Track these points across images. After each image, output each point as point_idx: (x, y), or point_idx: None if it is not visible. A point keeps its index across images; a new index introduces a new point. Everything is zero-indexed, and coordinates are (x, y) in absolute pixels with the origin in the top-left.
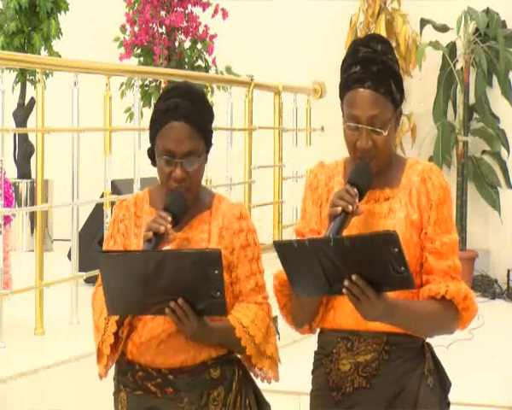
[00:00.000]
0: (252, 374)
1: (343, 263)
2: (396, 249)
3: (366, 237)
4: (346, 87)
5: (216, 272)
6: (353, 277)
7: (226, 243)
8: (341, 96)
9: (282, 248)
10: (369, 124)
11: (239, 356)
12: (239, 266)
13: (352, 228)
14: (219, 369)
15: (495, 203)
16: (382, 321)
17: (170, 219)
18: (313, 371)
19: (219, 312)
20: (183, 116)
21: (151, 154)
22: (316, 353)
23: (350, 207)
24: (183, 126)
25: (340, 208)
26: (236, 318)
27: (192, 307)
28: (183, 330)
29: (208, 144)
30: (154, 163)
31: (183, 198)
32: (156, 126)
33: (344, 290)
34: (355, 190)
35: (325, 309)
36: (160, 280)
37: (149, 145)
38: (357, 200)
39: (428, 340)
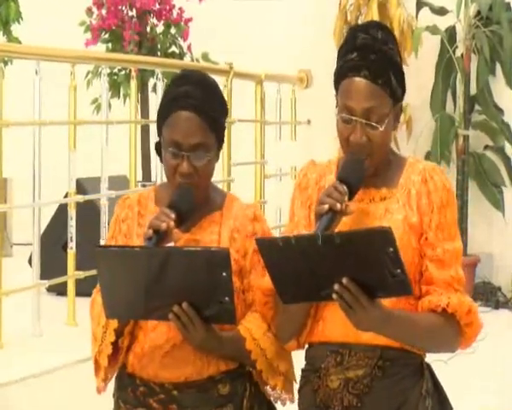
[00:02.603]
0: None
1: (333, 264)
2: (391, 249)
3: (358, 233)
4: (340, 75)
5: (224, 274)
6: (344, 280)
7: (238, 246)
8: (336, 86)
9: (266, 246)
10: (364, 117)
11: (251, 370)
12: (252, 272)
13: (345, 228)
14: (229, 385)
15: (498, 204)
16: (376, 331)
17: (173, 216)
18: (299, 390)
19: (228, 319)
20: (192, 106)
21: (159, 148)
22: (303, 370)
23: (338, 205)
24: (193, 117)
25: (326, 206)
26: (247, 328)
27: (198, 312)
28: (189, 338)
29: (220, 141)
30: (162, 159)
31: (191, 195)
32: (163, 116)
33: (334, 296)
34: (345, 187)
35: (313, 321)
36: (164, 281)
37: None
38: (346, 198)
39: (426, 354)
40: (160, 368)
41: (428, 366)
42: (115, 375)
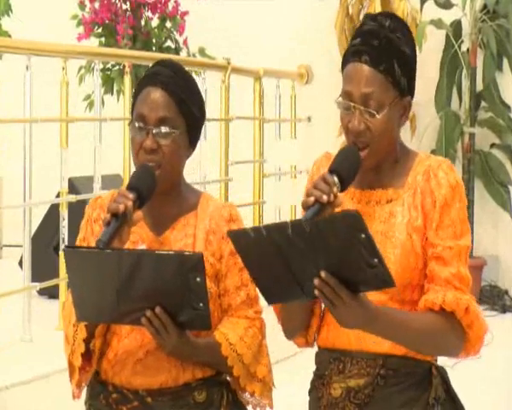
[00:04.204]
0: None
1: (307, 255)
2: (363, 235)
3: (326, 219)
4: (344, 62)
5: (198, 279)
6: (323, 274)
7: (214, 248)
8: (342, 74)
9: (238, 238)
10: (362, 103)
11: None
12: (228, 276)
13: None
14: (205, 392)
15: (505, 204)
16: (362, 329)
17: (131, 196)
18: (309, 392)
19: (203, 325)
20: (161, 82)
21: None
22: (313, 373)
23: (324, 196)
24: (160, 92)
25: (312, 198)
26: (223, 333)
27: (172, 318)
28: (162, 343)
29: (191, 132)
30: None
31: (152, 175)
32: (135, 96)
33: (316, 292)
34: (335, 178)
35: (321, 324)
36: (135, 284)
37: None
38: (335, 189)
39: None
40: (133, 375)
41: (441, 372)
42: (87, 382)
